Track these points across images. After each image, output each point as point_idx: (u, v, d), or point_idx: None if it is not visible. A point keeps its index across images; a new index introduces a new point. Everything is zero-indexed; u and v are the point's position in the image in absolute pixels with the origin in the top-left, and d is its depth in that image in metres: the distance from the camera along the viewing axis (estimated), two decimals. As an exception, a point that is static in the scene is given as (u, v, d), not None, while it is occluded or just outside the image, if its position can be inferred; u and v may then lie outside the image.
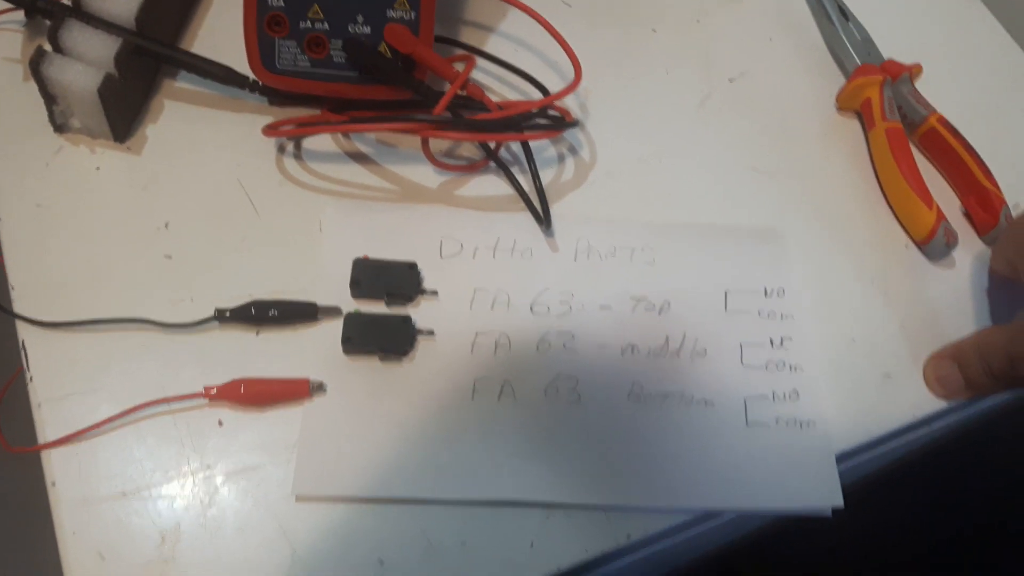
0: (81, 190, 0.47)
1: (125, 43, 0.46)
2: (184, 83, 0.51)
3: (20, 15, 0.49)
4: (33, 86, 0.46)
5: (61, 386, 0.41)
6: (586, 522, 0.41)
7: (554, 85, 0.53)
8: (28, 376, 0.41)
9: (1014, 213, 0.53)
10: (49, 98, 0.46)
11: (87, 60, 0.45)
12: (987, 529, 0.65)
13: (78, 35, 0.45)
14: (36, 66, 0.44)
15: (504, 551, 0.40)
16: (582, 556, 0.40)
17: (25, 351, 0.41)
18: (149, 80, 0.51)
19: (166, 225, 0.46)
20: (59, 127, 0.47)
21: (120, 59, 0.45)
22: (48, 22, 0.46)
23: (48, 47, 0.45)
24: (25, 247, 0.44)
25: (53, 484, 0.39)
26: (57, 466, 0.39)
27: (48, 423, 0.40)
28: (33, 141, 0.48)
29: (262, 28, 0.46)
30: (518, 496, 0.41)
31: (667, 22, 0.61)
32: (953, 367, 0.46)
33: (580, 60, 0.50)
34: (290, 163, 0.49)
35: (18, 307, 0.43)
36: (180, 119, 0.50)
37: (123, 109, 0.47)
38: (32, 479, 0.39)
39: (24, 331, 0.42)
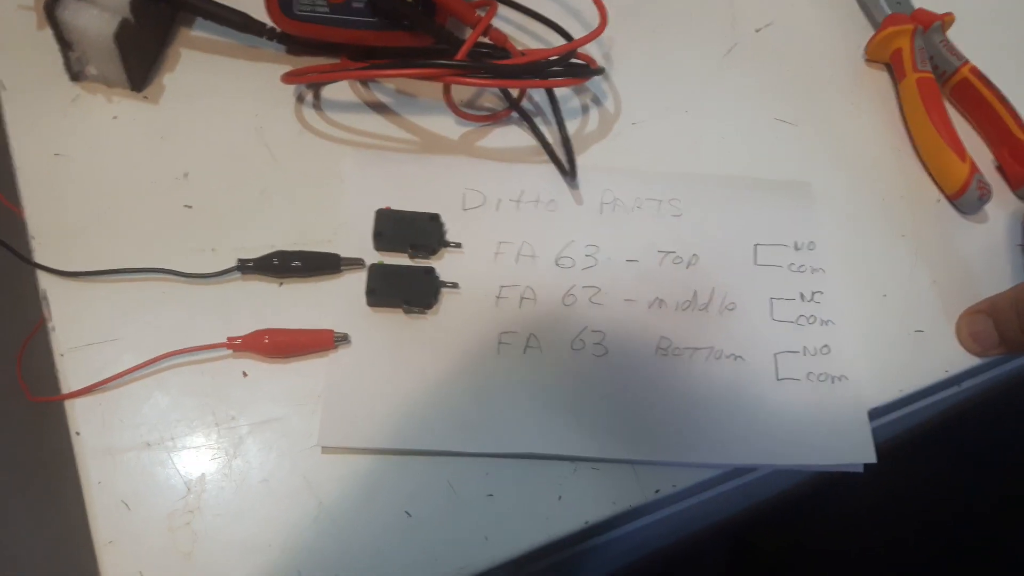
0: (99, 139, 0.46)
1: (141, -12, 0.45)
2: (200, 31, 0.50)
3: (32, -40, 0.48)
4: (47, 34, 0.45)
5: (83, 336, 0.40)
6: (614, 476, 0.40)
7: (577, 33, 0.52)
8: (50, 326, 0.40)
9: (1049, 166, 0.51)
10: (65, 44, 0.45)
11: (102, 5, 0.44)
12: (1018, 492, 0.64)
13: (93, -21, 0.44)
14: (51, 11, 0.43)
15: (531, 504, 0.39)
16: (610, 510, 0.39)
17: (47, 301, 0.41)
18: (165, 28, 0.49)
19: (185, 175, 0.45)
20: (75, 75, 0.46)
21: (136, 5, 0.44)
22: (62, -34, 0.45)
23: (63, -9, 0.44)
24: (44, 197, 0.44)
25: (77, 434, 0.38)
26: (81, 416, 0.39)
27: (71, 373, 0.39)
28: (49, 90, 0.47)
29: (280, -27, 0.45)
30: (544, 450, 0.40)
31: (692, -30, 0.59)
32: (987, 322, 0.45)
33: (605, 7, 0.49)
34: (309, 113, 0.48)
35: (38, 257, 0.42)
36: (197, 68, 0.49)
37: (140, 56, 0.46)
38: (56, 429, 0.39)
39: (45, 281, 0.41)
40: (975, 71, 0.54)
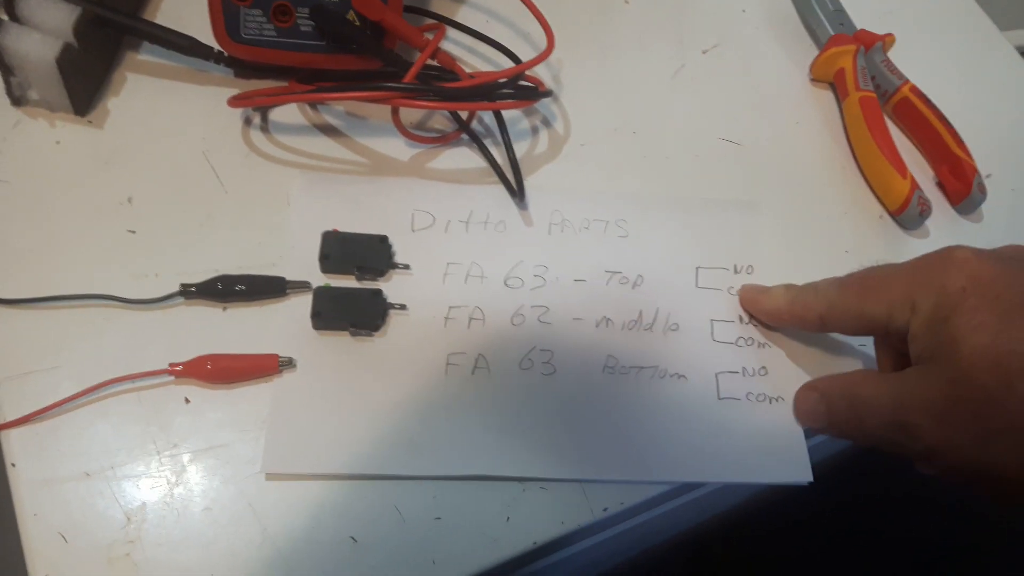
0: (41, 164, 0.45)
1: (84, 12, 0.44)
2: (147, 55, 0.50)
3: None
4: (-13, 58, 0.44)
5: (21, 364, 0.40)
6: (562, 496, 0.40)
7: (526, 56, 0.52)
8: (-15, 354, 0.40)
9: (986, 182, 0.53)
10: (5, 69, 0.44)
11: (45, 30, 0.43)
12: (958, 505, 0.66)
13: (35, 4, 0.44)
14: (-10, 35, 0.42)
15: (479, 525, 0.39)
16: (559, 530, 0.39)
17: (-18, 328, 0.40)
18: (110, 52, 0.49)
19: (129, 200, 0.45)
20: (16, 99, 0.46)
21: (79, 29, 0.44)
22: (2, -10, 0.45)
23: (4, 16, 0.44)
24: (-18, 223, 0.43)
25: (13, 465, 0.38)
26: (17, 447, 0.38)
27: (7, 402, 0.39)
28: (-11, 114, 0.46)
29: (226, -4, 0.45)
30: (492, 471, 0.40)
31: (640, -7, 0.60)
32: (821, 403, 0.41)
33: (552, 30, 0.49)
34: (257, 136, 0.48)
35: (-25, 284, 0.41)
36: (143, 92, 0.49)
37: (83, 81, 0.46)
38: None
39: (-18, 308, 0.41)
40: (915, 90, 0.55)
